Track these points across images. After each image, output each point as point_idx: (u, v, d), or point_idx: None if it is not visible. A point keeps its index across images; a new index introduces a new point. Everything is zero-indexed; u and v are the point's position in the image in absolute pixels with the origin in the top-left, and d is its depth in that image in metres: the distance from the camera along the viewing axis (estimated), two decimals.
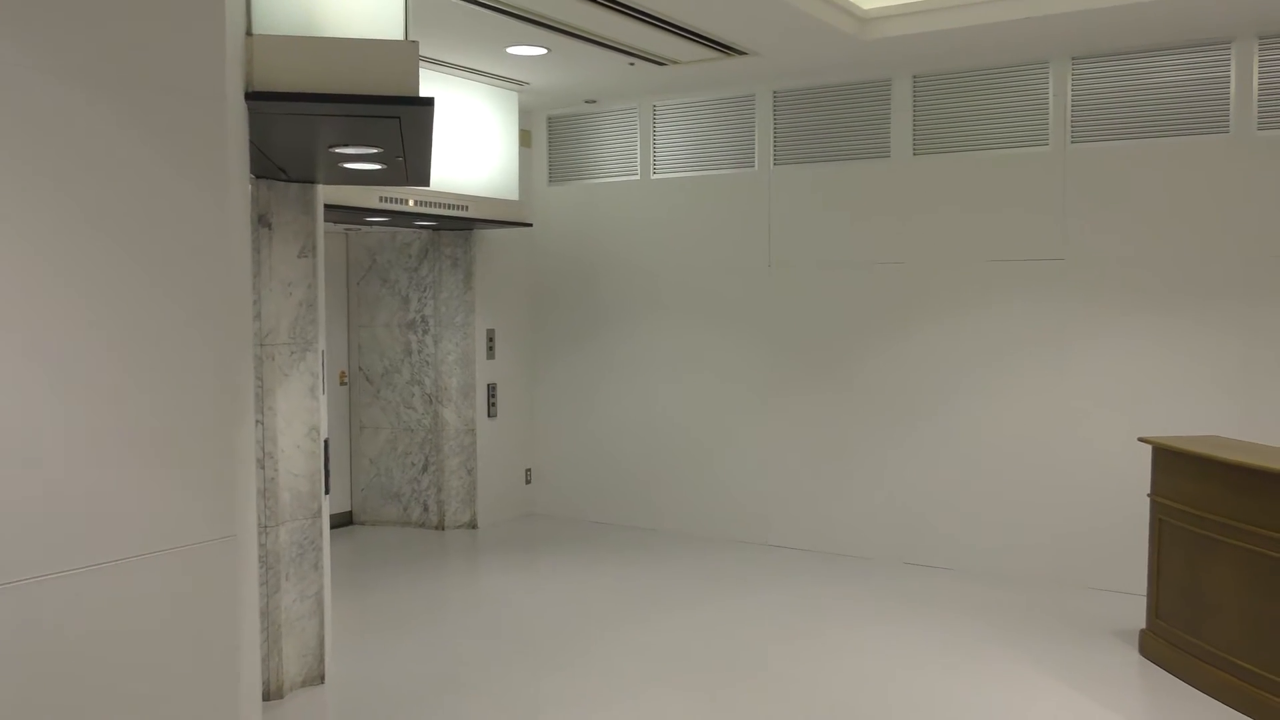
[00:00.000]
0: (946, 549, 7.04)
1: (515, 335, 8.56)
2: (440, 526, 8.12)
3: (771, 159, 7.61)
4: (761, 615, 6.03)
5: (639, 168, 8.17)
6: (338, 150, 4.09)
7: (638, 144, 8.16)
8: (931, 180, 7.03)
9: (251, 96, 3.34)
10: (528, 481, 8.74)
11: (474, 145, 7.34)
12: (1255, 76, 6.06)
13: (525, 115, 8.35)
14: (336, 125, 3.72)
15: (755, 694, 4.84)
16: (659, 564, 7.16)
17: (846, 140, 7.33)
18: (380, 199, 6.48)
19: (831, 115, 7.37)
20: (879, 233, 7.23)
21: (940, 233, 7.02)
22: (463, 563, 7.34)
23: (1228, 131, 6.16)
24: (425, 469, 8.15)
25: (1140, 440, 5.46)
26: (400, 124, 3.65)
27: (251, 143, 3.72)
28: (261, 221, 4.67)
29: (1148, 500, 5.41)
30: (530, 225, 8.09)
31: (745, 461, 7.79)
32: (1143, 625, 5.45)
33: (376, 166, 4.44)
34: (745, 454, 7.79)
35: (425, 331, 8.14)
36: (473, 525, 8.19)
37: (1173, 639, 5.13)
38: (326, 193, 5.37)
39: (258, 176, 4.61)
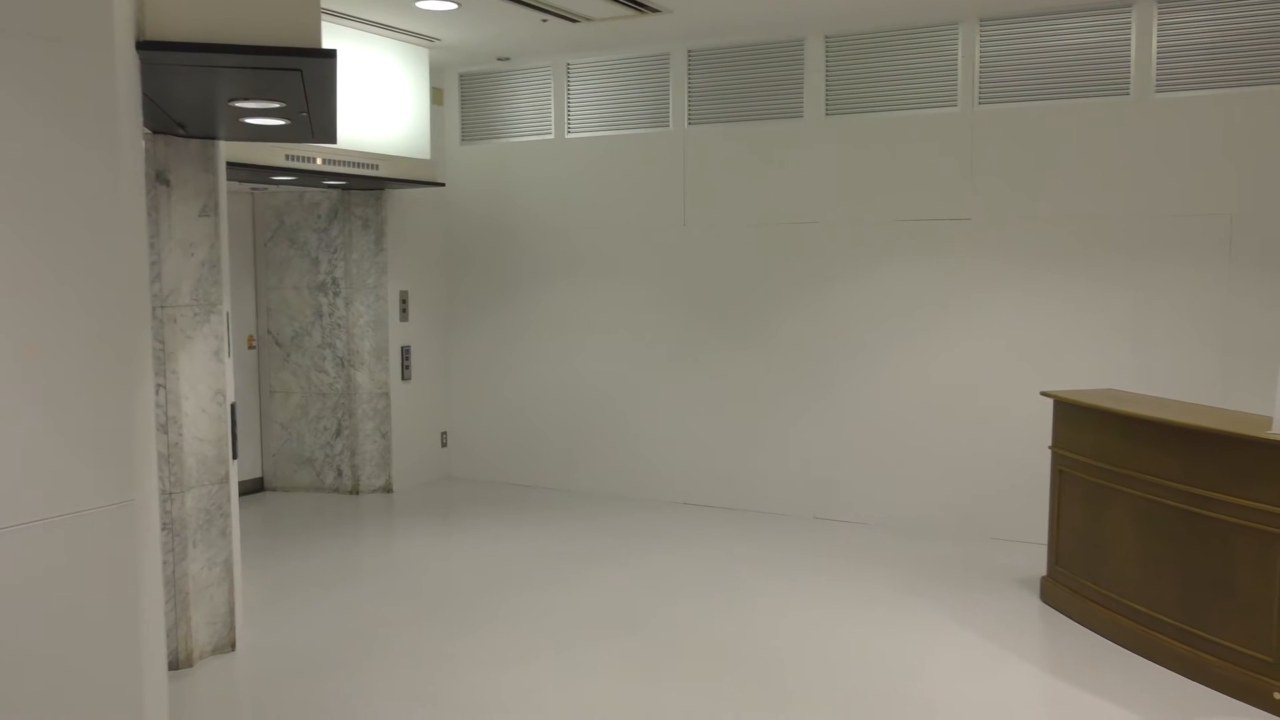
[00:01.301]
0: (858, 504, 7.19)
1: (429, 297, 8.44)
2: (355, 491, 8.02)
3: (686, 118, 7.59)
4: (678, 572, 6.09)
5: (553, 127, 8.09)
6: (238, 104, 3.96)
7: (552, 103, 8.06)
8: (844, 140, 7.09)
9: (143, 46, 3.20)
10: (443, 445, 8.67)
11: (384, 103, 7.18)
12: (1154, 40, 6.22)
13: (437, 73, 8.19)
14: (236, 78, 3.59)
15: (670, 648, 4.90)
16: (577, 524, 7.18)
17: (760, 100, 7.34)
18: (286, 157, 6.31)
19: (745, 75, 7.37)
20: (793, 192, 7.28)
21: (852, 192, 7.09)
22: (378, 527, 7.27)
23: (1128, 94, 6.32)
24: (338, 433, 8.03)
25: (1042, 394, 5.62)
26: (303, 78, 3.55)
27: (145, 96, 3.58)
28: (159, 179, 4.51)
29: (1049, 452, 5.59)
30: (443, 185, 7.97)
31: (662, 421, 7.84)
32: (1044, 573, 5.64)
33: (280, 122, 4.31)
34: (662, 413, 7.83)
35: (336, 294, 7.98)
36: (388, 490, 8.10)
37: (1071, 585, 5.33)
38: (229, 150, 5.21)
39: (154, 132, 4.44)
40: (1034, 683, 4.56)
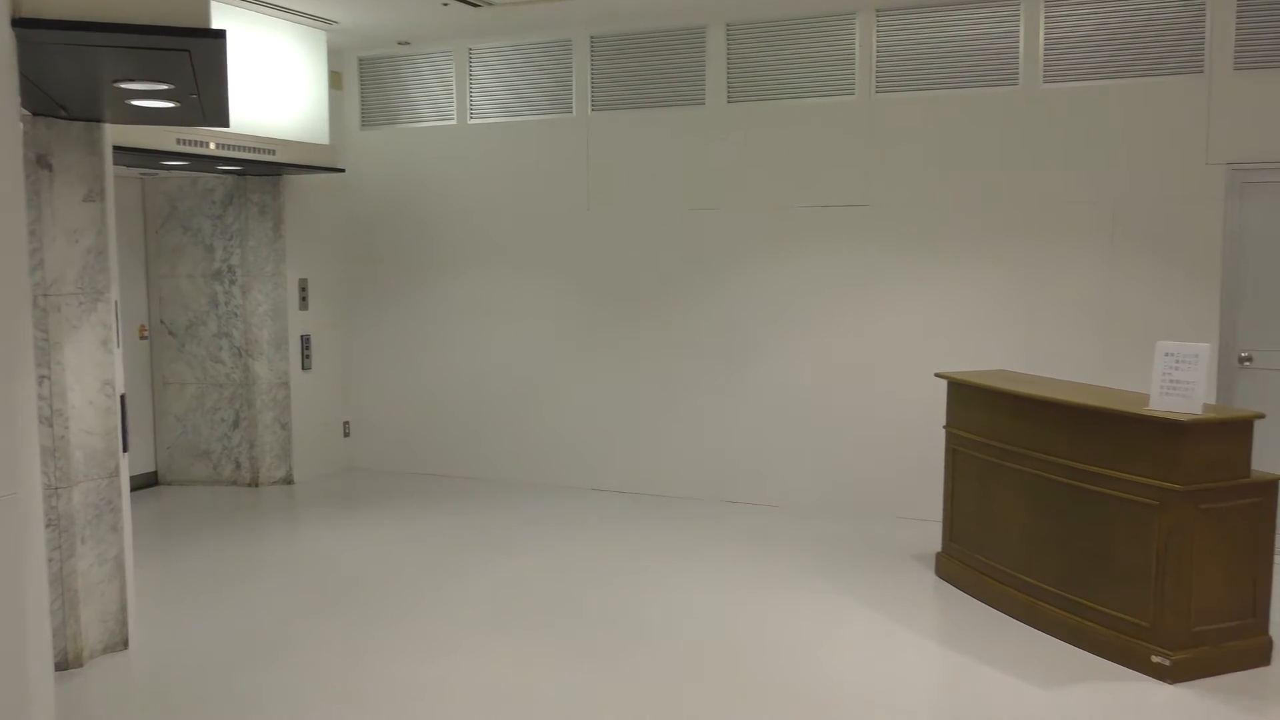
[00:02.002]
0: (764, 486, 7.31)
1: (330, 285, 8.30)
2: (254, 484, 7.85)
3: (590, 104, 7.59)
4: (588, 558, 6.12)
5: (455, 112, 8.01)
6: (124, 86, 3.83)
7: (454, 88, 7.98)
8: (746, 127, 7.18)
9: (19, 23, 3.08)
10: (346, 435, 8.54)
11: (280, 86, 7.02)
12: (1041, 32, 6.43)
13: (335, 56, 8.04)
14: (120, 58, 3.48)
15: (581, 634, 4.92)
16: (485, 513, 7.15)
17: (663, 87, 7.38)
18: (178, 141, 6.13)
19: (648, 61, 7.40)
20: (696, 178, 7.34)
21: (754, 179, 7.19)
22: (279, 520, 7.13)
23: (1017, 84, 6.53)
24: (236, 425, 7.84)
25: (936, 376, 5.79)
26: (191, 58, 3.45)
27: (23, 76, 3.45)
28: (40, 163, 4.34)
29: (944, 432, 5.76)
30: (343, 170, 7.82)
31: (570, 407, 7.85)
32: (939, 549, 5.82)
33: (168, 104, 4.18)
34: (570, 399, 7.84)
35: (232, 282, 7.78)
36: (288, 481, 7.95)
37: (964, 559, 5.51)
38: (116, 133, 5.04)
39: (34, 114, 4.28)
40: (929, 655, 4.71)
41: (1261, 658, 4.53)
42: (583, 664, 4.57)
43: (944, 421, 5.78)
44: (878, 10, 6.77)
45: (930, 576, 5.73)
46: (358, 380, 8.54)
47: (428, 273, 8.22)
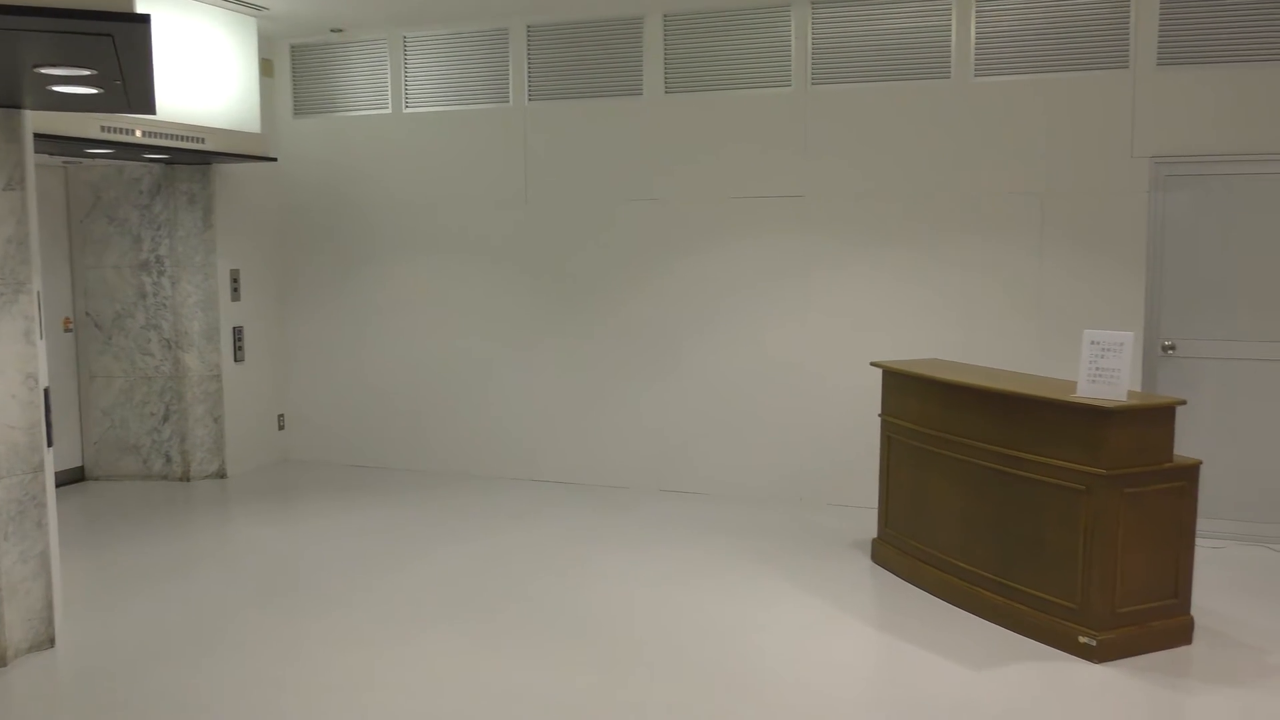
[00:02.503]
0: (701, 475, 7.35)
1: (263, 275, 8.16)
2: (185, 478, 7.70)
3: (527, 94, 7.55)
4: (528, 548, 6.10)
5: (390, 101, 7.91)
6: (44, 71, 3.72)
7: (389, 76, 7.88)
8: (683, 118, 7.19)
9: None
10: (281, 427, 8.41)
11: (209, 73, 6.87)
12: (973, 27, 6.53)
13: (266, 43, 7.90)
14: (39, 42, 3.37)
15: (521, 624, 4.91)
16: (424, 505, 7.09)
17: (601, 77, 7.36)
18: (102, 128, 5.98)
19: (585, 51, 7.37)
20: (634, 169, 7.34)
21: (692, 170, 7.21)
22: (211, 514, 7.00)
23: (949, 77, 6.62)
24: (166, 418, 7.68)
25: (871, 364, 5.87)
26: (114, 44, 3.36)
27: None
28: None
29: (879, 420, 5.84)
30: (275, 160, 7.68)
31: (508, 398, 7.81)
32: (874, 535, 5.91)
33: (92, 91, 4.07)
34: (508, 390, 7.81)
35: (161, 273, 7.61)
36: (221, 475, 7.82)
37: (899, 545, 5.60)
38: (37, 120, 4.91)
39: None
40: (864, 639, 4.78)
41: (1184, 636, 4.67)
42: (523, 653, 4.56)
43: (879, 410, 5.86)
44: (813, 3, 6.82)
45: (866, 562, 5.81)
46: (293, 372, 8.41)
47: (364, 263, 8.12)
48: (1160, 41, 6.17)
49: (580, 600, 5.24)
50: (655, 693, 4.19)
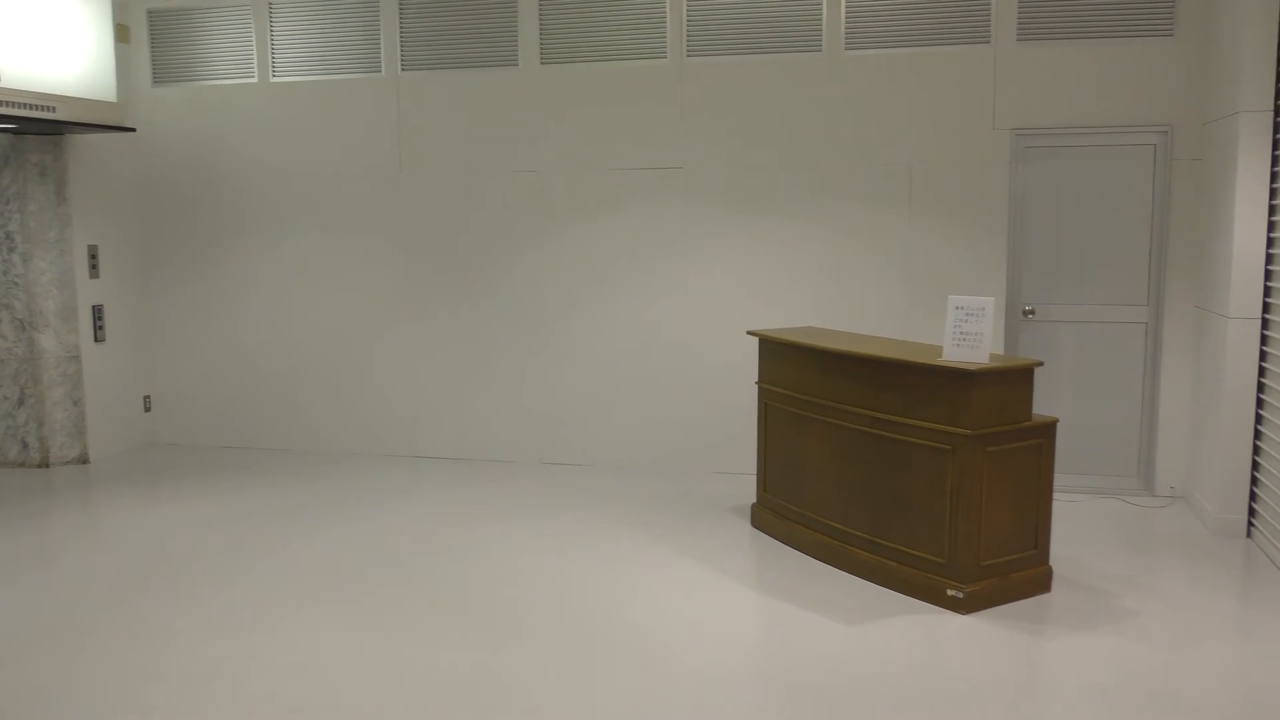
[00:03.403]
0: (584, 447, 7.37)
1: (124, 251, 7.82)
2: (44, 464, 7.35)
3: (400, 64, 7.39)
4: (409, 525, 6.03)
5: (257, 70, 7.64)
6: None
7: (254, 44, 7.61)
8: (560, 89, 7.15)
9: None
10: (147, 409, 8.10)
11: (59, 39, 6.52)
12: (843, 2, 6.65)
13: (121, 8, 7.53)
14: None
15: (402, 601, 4.86)
16: (302, 484, 6.94)
17: (475, 47, 7.26)
18: None
19: (459, 21, 7.25)
20: (511, 141, 7.27)
21: (569, 141, 7.18)
22: (73, 501, 6.71)
23: (821, 50, 6.74)
24: (21, 403, 7.31)
25: (748, 333, 5.97)
26: None
27: None
28: None
29: (756, 387, 5.95)
30: (133, 130, 7.36)
31: (388, 373, 7.68)
32: (754, 500, 6.03)
33: None
34: (388, 366, 7.68)
35: (11, 249, 7.22)
36: (83, 460, 7.49)
37: (777, 509, 5.73)
38: None
39: None
40: (742, 599, 4.88)
41: (1044, 585, 4.91)
42: (406, 630, 4.52)
43: (756, 378, 5.97)
44: None
45: (746, 527, 5.93)
46: (159, 351, 8.10)
47: (233, 237, 7.86)
48: (1020, 17, 6.40)
49: (462, 574, 5.21)
50: (540, 663, 4.20)
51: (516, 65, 7.19)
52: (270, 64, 7.61)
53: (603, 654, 4.27)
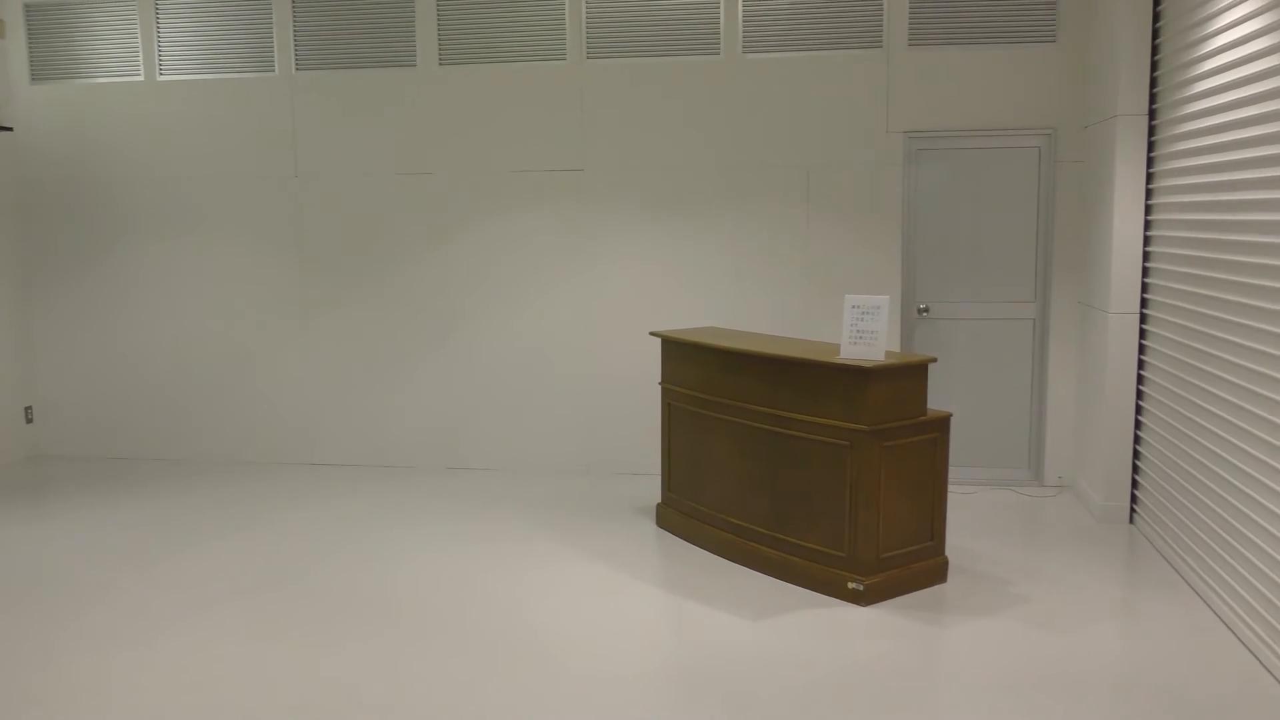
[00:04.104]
0: (488, 451, 7.31)
1: (1, 257, 7.48)
2: None
3: (294, 63, 7.23)
4: (306, 533, 5.90)
5: (143, 68, 7.40)
6: None
7: (139, 41, 7.37)
8: (459, 91, 7.09)
9: None
10: (29, 421, 7.77)
11: None
12: (740, 6, 6.74)
13: None
14: None
15: (299, 610, 4.75)
16: (195, 494, 6.73)
17: (372, 47, 7.14)
18: None
19: (355, 20, 7.13)
20: (409, 143, 7.18)
21: (468, 144, 7.12)
22: None
23: (719, 53, 6.81)
24: None
25: (651, 334, 6.00)
26: None
27: None
28: None
29: (659, 388, 5.98)
30: (10, 129, 7.06)
31: (284, 379, 7.51)
32: (659, 500, 6.06)
33: None
34: (284, 371, 7.50)
35: None
36: None
37: (682, 508, 5.76)
38: None
39: None
40: (648, 600, 4.90)
41: (940, 576, 5.04)
42: (303, 639, 4.42)
43: (659, 378, 6.00)
44: None
45: (651, 527, 5.96)
46: (40, 361, 7.78)
47: (119, 241, 7.59)
48: (911, 23, 6.56)
49: (362, 582, 5.12)
50: (440, 668, 4.15)
51: (415, 65, 7.11)
52: (157, 62, 7.38)
53: (505, 657, 4.24)
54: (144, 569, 5.32)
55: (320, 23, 7.17)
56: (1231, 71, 4.55)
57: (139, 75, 7.41)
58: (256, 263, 7.44)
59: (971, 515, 6.12)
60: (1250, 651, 4.20)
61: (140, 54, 7.38)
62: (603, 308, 7.07)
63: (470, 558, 5.47)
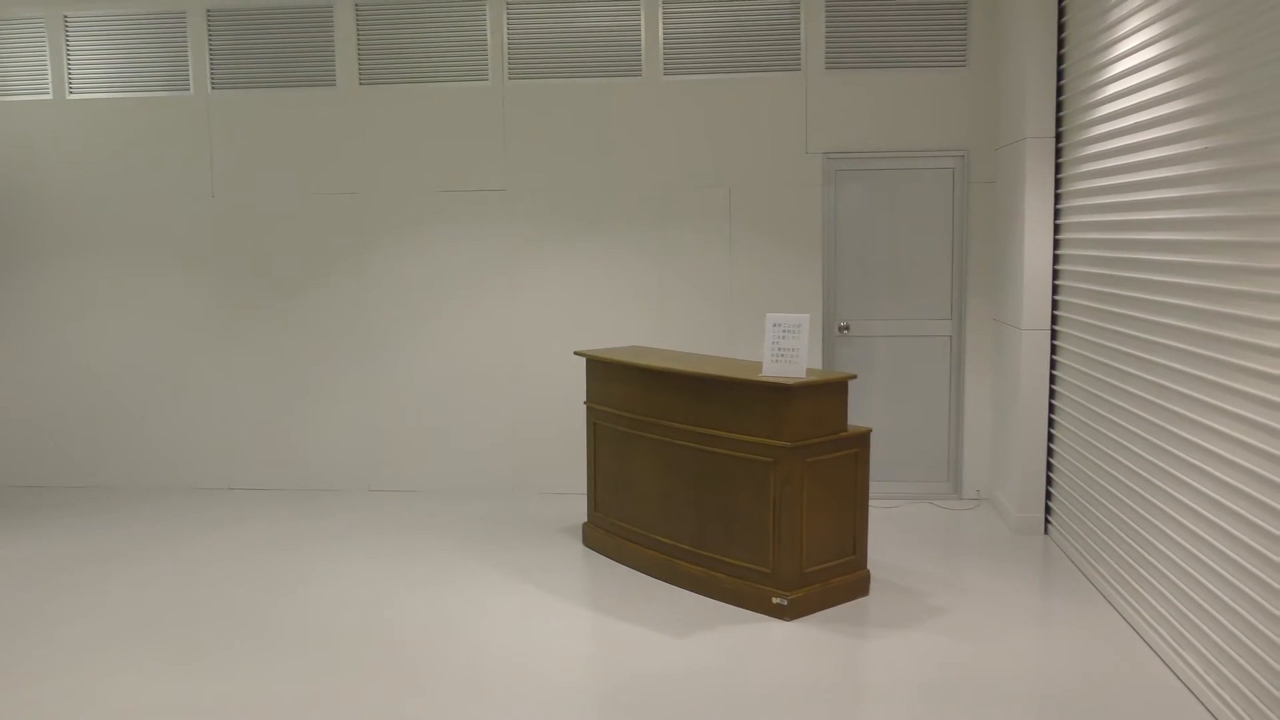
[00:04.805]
0: (412, 473, 7.24)
1: None
2: None
3: (210, 83, 7.12)
4: (224, 560, 5.77)
5: (51, 86, 7.22)
6: None
7: (48, 59, 7.19)
8: (380, 111, 7.04)
9: None
10: None
11: None
12: (661, 27, 6.81)
13: None
14: None
15: (219, 638, 4.64)
16: (107, 522, 6.54)
17: (291, 66, 7.07)
18: None
19: (273, 39, 7.05)
20: (329, 162, 7.11)
21: (390, 164, 7.07)
22: None
23: (640, 75, 6.88)
24: None
25: (575, 354, 6.00)
26: None
27: None
28: None
29: (585, 407, 5.99)
30: None
31: (203, 402, 7.35)
32: (585, 519, 6.05)
33: None
34: (200, 395, 7.34)
35: None
36: None
37: (608, 527, 5.77)
38: None
39: None
40: (574, 619, 4.89)
41: (862, 589, 5.12)
42: (220, 669, 4.32)
43: (584, 398, 6.01)
44: None
45: (577, 547, 5.95)
46: None
47: (25, 264, 7.37)
48: (828, 47, 6.70)
49: (284, 608, 5.03)
50: (365, 695, 4.09)
51: (334, 85, 7.05)
52: (66, 80, 7.20)
53: (431, 682, 4.20)
54: (56, 601, 5.15)
55: (237, 42, 7.07)
56: (1131, 96, 4.73)
57: (48, 94, 7.23)
58: (172, 283, 7.29)
59: (893, 529, 6.23)
60: (1160, 658, 4.33)
61: (49, 72, 7.20)
62: (527, 328, 7.06)
63: (392, 580, 5.40)
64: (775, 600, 4.83)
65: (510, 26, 6.90)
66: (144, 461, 7.43)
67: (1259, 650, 3.48)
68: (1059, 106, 5.84)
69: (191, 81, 7.13)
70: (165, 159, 7.21)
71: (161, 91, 7.17)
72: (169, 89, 7.16)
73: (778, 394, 4.80)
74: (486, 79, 6.95)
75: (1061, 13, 5.79)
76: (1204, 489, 3.92)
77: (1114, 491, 4.92)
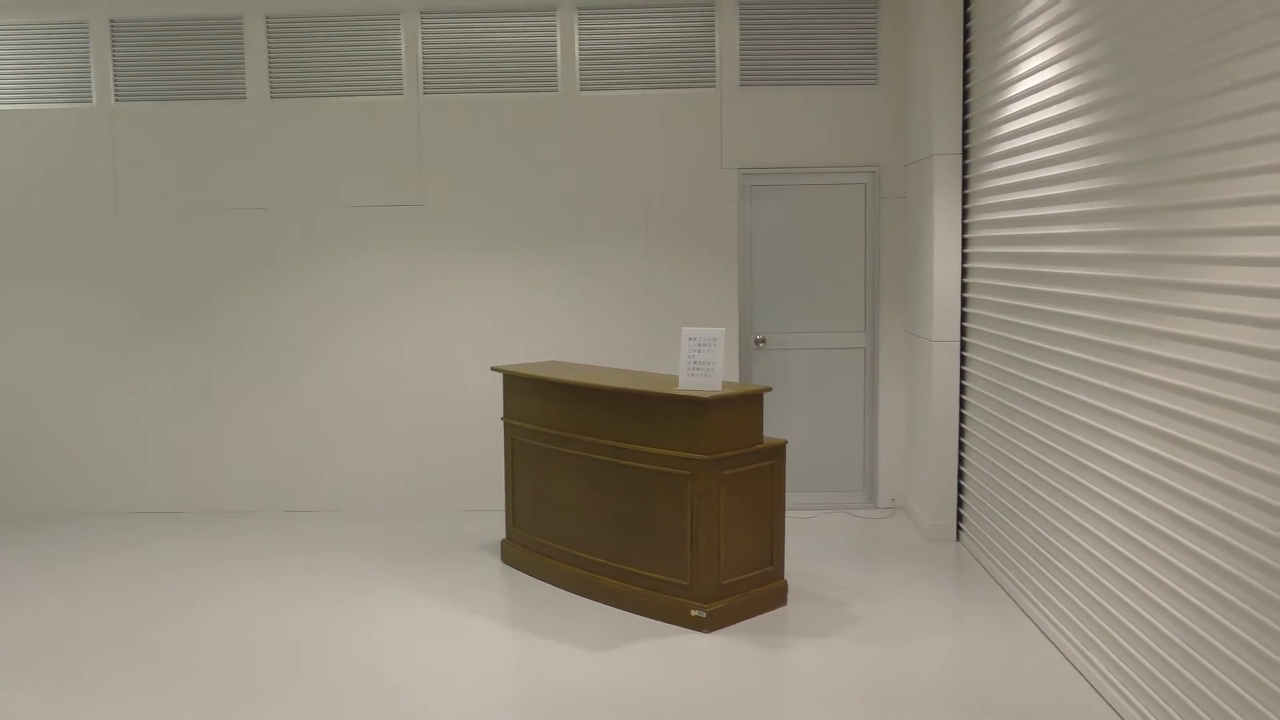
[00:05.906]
0: (328, 492, 7.11)
1: None
2: None
3: (113, 94, 6.94)
4: (131, 586, 5.59)
5: None
6: None
7: None
8: (292, 125, 6.93)
9: None
10: None
11: None
12: (577, 44, 6.83)
13: None
14: None
15: (123, 669, 4.49)
16: (7, 548, 6.28)
17: (198, 79, 6.92)
18: None
19: (180, 51, 6.90)
20: (239, 177, 6.97)
21: (304, 178, 6.96)
22: None
23: (557, 90, 6.88)
24: None
25: (492, 369, 5.97)
26: None
27: None
28: None
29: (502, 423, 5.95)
30: None
31: (108, 423, 7.12)
32: (504, 536, 6.01)
33: None
34: (107, 415, 7.11)
35: None
36: None
37: (526, 543, 5.73)
38: None
39: None
40: (493, 637, 4.84)
41: (780, 599, 5.16)
42: (125, 702, 4.17)
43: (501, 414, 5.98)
44: (422, 13, 6.83)
45: (496, 563, 5.89)
46: None
47: None
48: (742, 64, 6.78)
49: (190, 636, 4.89)
50: (279, 716, 3.99)
51: (245, 99, 6.92)
52: None
53: (347, 707, 4.11)
54: None
55: (142, 53, 6.91)
56: (1033, 115, 4.87)
57: None
58: (76, 300, 7.06)
59: (810, 539, 6.29)
60: (1068, 660, 4.44)
61: None
62: (443, 343, 7.00)
63: (309, 602, 5.29)
64: (694, 613, 4.85)
65: (425, 41, 6.85)
66: (48, 485, 7.17)
67: (1160, 650, 3.60)
68: (966, 124, 6.00)
69: (94, 93, 6.94)
70: (67, 173, 6.99)
71: (62, 103, 6.96)
72: (70, 100, 6.96)
73: (694, 407, 4.83)
74: (401, 93, 6.89)
75: (967, 33, 5.96)
76: (1107, 495, 4.04)
77: (1021, 498, 5.05)
